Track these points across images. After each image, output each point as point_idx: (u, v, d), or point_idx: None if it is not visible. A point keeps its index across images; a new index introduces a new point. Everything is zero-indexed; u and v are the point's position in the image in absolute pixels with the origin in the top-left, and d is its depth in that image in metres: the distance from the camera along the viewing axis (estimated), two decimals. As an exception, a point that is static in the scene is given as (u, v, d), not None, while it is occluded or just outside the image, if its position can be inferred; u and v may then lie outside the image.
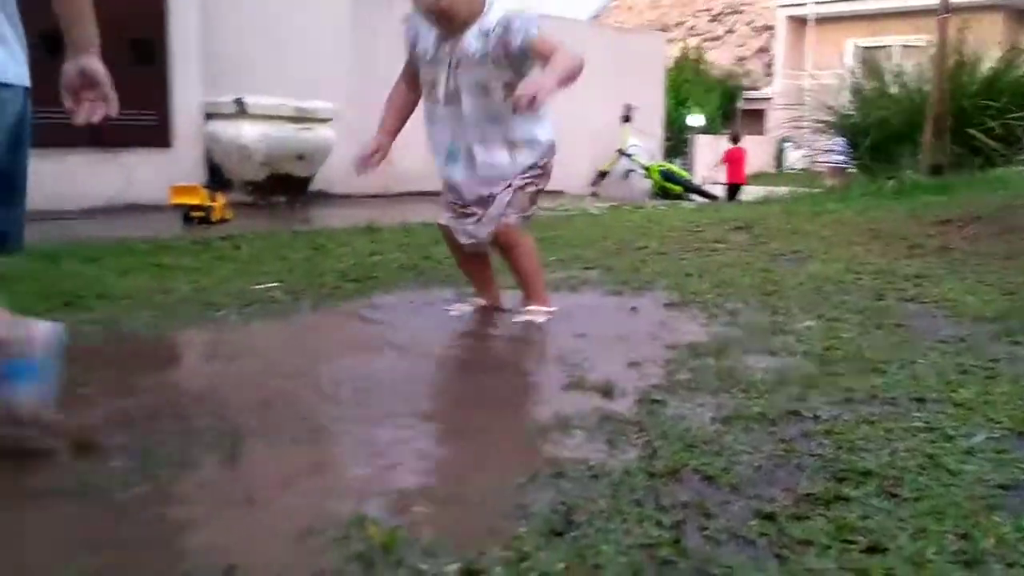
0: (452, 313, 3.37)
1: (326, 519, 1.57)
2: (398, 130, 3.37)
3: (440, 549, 1.47)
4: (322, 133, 7.41)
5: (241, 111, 6.96)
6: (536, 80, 2.89)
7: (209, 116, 7.06)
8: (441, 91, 3.14)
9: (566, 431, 2.05)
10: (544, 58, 2.97)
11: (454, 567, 1.41)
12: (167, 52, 6.92)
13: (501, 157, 3.14)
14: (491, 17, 3.03)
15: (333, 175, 8.03)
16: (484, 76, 3.06)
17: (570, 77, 2.93)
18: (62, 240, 4.59)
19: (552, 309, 3.25)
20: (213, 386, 2.38)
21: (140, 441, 1.93)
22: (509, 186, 3.13)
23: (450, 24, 3.00)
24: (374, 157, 3.24)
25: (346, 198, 8.23)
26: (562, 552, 1.44)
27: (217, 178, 7.08)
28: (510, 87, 2.99)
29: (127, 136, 6.53)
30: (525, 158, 3.17)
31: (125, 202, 6.57)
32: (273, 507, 1.67)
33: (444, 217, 3.37)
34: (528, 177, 3.18)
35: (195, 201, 5.63)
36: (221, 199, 5.81)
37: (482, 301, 3.45)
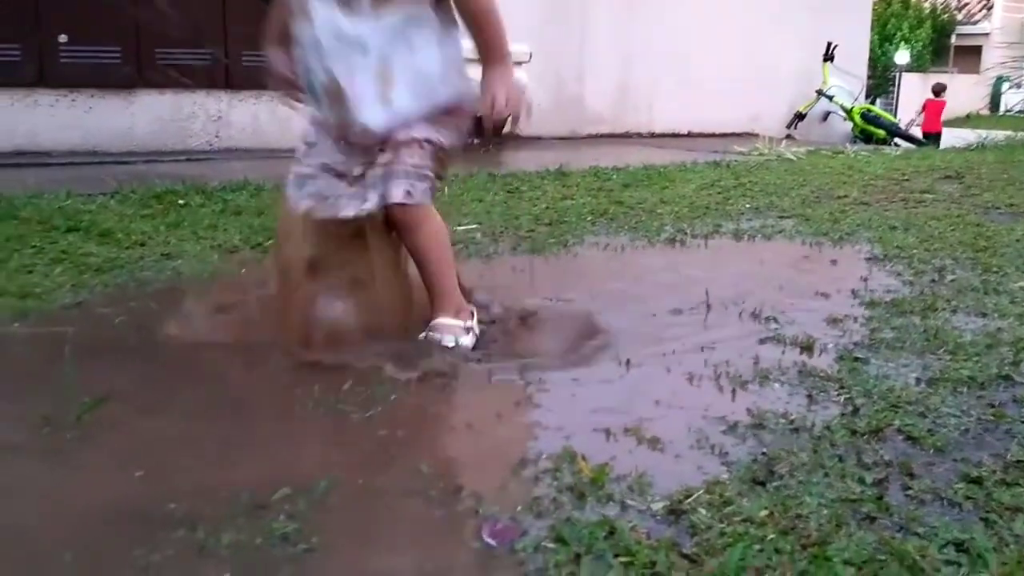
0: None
1: (538, 452, 1.71)
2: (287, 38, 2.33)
3: (645, 487, 1.57)
4: (516, 76, 7.52)
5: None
6: (493, 92, 2.25)
7: (411, 60, 7.34)
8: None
9: (765, 384, 2.09)
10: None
11: (660, 505, 1.50)
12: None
13: (393, 96, 2.19)
14: None
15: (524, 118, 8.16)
16: None
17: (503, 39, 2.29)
18: (282, 177, 4.95)
19: (470, 324, 2.33)
20: (426, 321, 2.55)
21: (367, 367, 2.13)
22: (407, 140, 2.21)
23: None
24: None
25: (536, 140, 8.35)
26: (764, 500, 1.51)
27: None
28: None
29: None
30: (422, 101, 2.23)
31: (333, 142, 6.97)
32: (490, 437, 1.82)
33: (301, 197, 2.29)
34: (430, 129, 2.24)
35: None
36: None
37: None
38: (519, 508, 1.49)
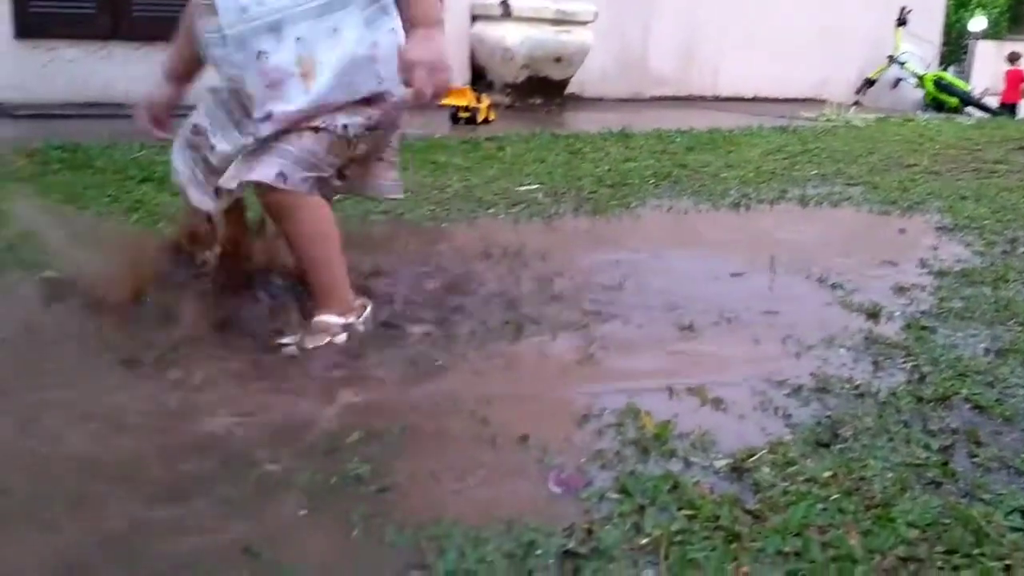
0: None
1: (601, 407, 1.74)
2: (187, 73, 2.21)
3: (709, 445, 1.59)
4: (581, 36, 7.47)
5: (505, 13, 7.15)
6: (415, 52, 1.86)
7: (475, 18, 7.32)
8: None
9: (830, 349, 2.09)
10: None
11: (723, 463, 1.52)
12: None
13: (311, 84, 1.91)
14: None
15: (586, 78, 8.11)
16: None
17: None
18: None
19: (349, 321, 2.05)
20: (489, 277, 2.59)
21: (437, 322, 2.18)
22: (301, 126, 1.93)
23: None
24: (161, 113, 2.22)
25: (598, 101, 8.30)
26: (828, 462, 1.52)
27: (480, 79, 7.36)
28: None
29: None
30: (340, 92, 1.94)
31: (396, 100, 7.01)
32: (554, 391, 1.85)
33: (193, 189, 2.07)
34: (334, 114, 1.94)
35: (464, 103, 5.92)
36: (486, 101, 6.07)
37: None
38: (584, 459, 1.53)
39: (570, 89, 7.93)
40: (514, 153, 4.88)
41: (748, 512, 1.36)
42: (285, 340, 2.00)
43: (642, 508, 1.36)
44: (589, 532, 1.29)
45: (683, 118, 6.94)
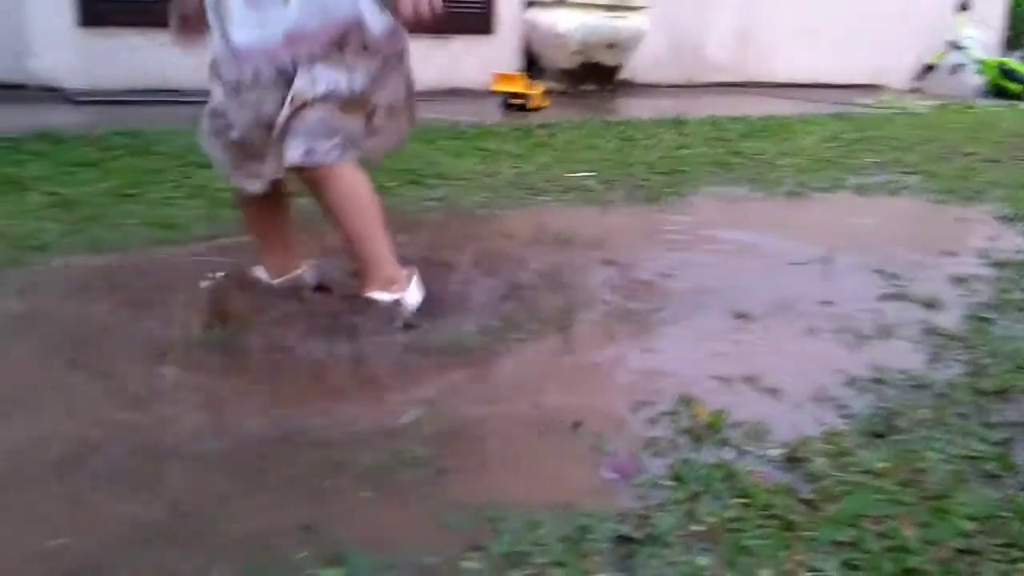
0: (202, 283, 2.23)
1: (655, 395, 1.75)
2: None
3: (762, 434, 1.59)
4: (634, 22, 7.42)
5: (560, 0, 7.14)
6: None
7: (529, 4, 7.31)
8: None
9: (886, 339, 2.08)
10: None
11: (777, 452, 1.53)
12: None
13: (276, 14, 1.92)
14: None
15: (639, 64, 8.05)
16: None
17: None
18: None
19: (399, 296, 2.07)
20: (543, 264, 2.60)
21: (490, 309, 2.20)
22: (307, 101, 1.93)
23: None
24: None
25: (651, 88, 8.24)
26: (883, 453, 1.52)
27: (533, 65, 7.35)
28: None
29: (455, 23, 6.94)
30: (310, 20, 1.92)
31: (449, 86, 7.03)
32: (608, 379, 1.87)
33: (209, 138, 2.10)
34: (330, 73, 1.94)
35: (516, 89, 5.93)
36: (539, 87, 6.06)
37: (256, 272, 2.28)
38: (637, 446, 1.54)
39: (623, 75, 7.89)
40: (566, 140, 4.88)
41: (803, 501, 1.36)
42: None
43: (696, 495, 1.37)
44: (643, 518, 1.31)
45: (738, 104, 6.88)
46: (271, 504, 1.34)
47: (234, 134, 2.01)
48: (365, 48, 1.96)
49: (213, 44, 2.00)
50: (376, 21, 1.97)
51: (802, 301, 2.34)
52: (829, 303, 2.33)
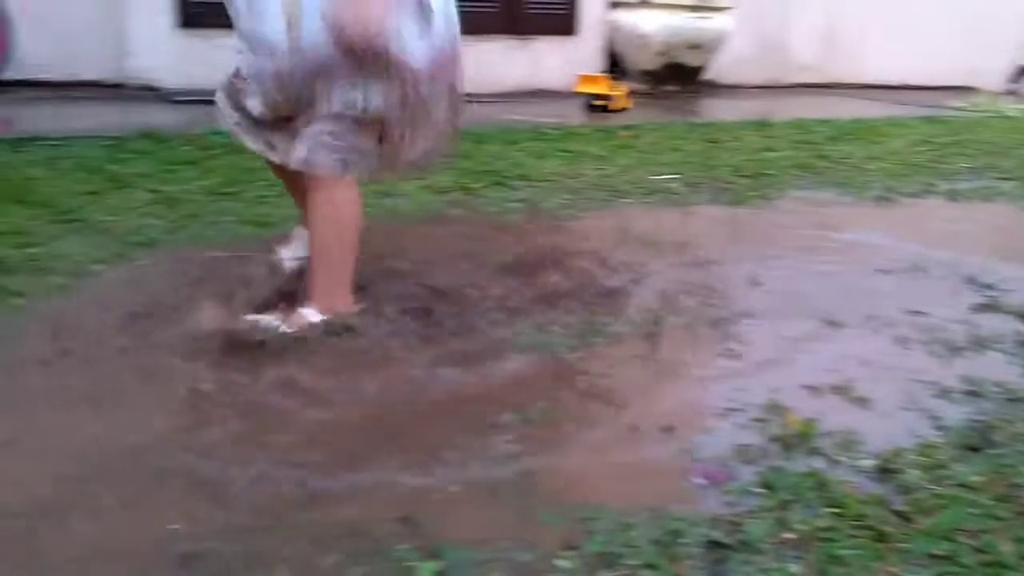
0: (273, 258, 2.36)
1: (744, 402, 1.76)
2: None
3: (854, 445, 1.59)
4: (719, 23, 7.35)
5: (643, 0, 7.11)
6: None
7: (613, 5, 7.30)
8: None
9: (981, 351, 2.04)
10: None
11: (869, 463, 1.52)
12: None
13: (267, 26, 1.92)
14: None
15: (723, 64, 7.97)
16: None
17: None
18: (486, 123, 5.11)
19: (319, 321, 2.02)
20: (628, 267, 2.62)
21: (577, 310, 2.23)
22: (325, 114, 1.96)
23: None
24: None
25: (734, 89, 8.15)
26: (979, 466, 1.50)
27: (615, 66, 7.35)
28: None
29: (539, 24, 6.98)
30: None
31: (532, 87, 7.07)
32: (696, 385, 1.88)
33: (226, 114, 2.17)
34: (341, 91, 1.93)
35: (600, 90, 5.94)
36: (622, 89, 6.06)
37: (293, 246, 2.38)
38: (727, 453, 1.55)
39: (706, 76, 7.82)
40: (649, 142, 4.87)
41: (896, 513, 1.36)
42: (258, 318, 2.03)
43: (787, 504, 1.38)
44: (734, 524, 1.32)
45: (824, 106, 6.76)
46: (370, 497, 1.40)
47: (252, 105, 2.02)
48: (387, 69, 1.93)
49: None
50: (406, 44, 1.93)
51: (892, 310, 2.31)
52: (920, 312, 2.29)
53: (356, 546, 1.26)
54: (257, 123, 2.09)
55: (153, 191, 3.21)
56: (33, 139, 3.92)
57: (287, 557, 1.24)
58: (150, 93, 5.78)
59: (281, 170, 2.22)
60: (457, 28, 2.06)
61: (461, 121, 2.17)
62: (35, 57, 5.69)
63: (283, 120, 2.03)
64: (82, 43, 5.84)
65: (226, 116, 2.14)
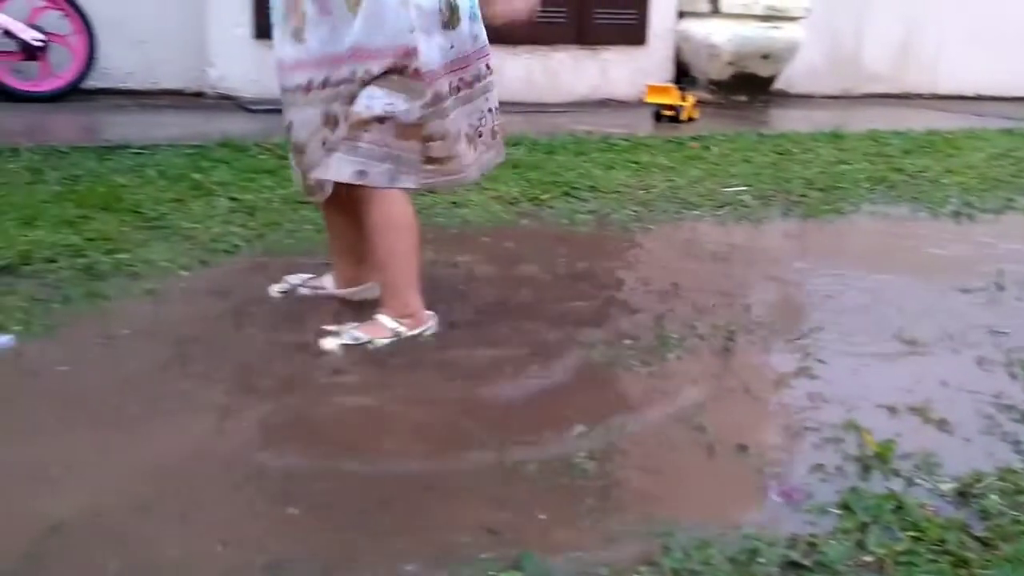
0: (272, 290, 2.38)
1: (820, 421, 1.75)
2: None
3: (933, 467, 1.58)
4: (790, 32, 7.27)
5: (714, 9, 7.07)
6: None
7: (682, 15, 7.27)
8: None
9: (1065, 374, 2.00)
10: None
11: (949, 486, 1.51)
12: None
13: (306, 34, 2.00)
14: None
15: (793, 74, 7.88)
16: None
17: None
18: (554, 133, 5.14)
19: (400, 328, 2.09)
20: (699, 281, 2.62)
21: (648, 324, 2.24)
22: (362, 119, 1.98)
23: None
24: None
25: (805, 99, 8.05)
26: (1064, 494, 1.48)
27: (683, 76, 7.31)
28: None
29: (608, 34, 6.98)
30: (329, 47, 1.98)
31: (599, 97, 7.07)
32: (771, 402, 1.88)
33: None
34: (387, 97, 1.98)
35: (669, 101, 5.92)
36: (690, 99, 6.04)
37: (319, 284, 2.42)
38: (803, 472, 1.55)
39: (777, 85, 7.74)
40: (719, 153, 4.85)
41: (976, 539, 1.35)
42: (332, 328, 2.09)
43: (865, 526, 1.38)
44: (812, 545, 1.32)
45: (899, 118, 6.64)
46: (453, 504, 1.43)
47: (291, 133, 2.08)
48: (421, 76, 1.96)
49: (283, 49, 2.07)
50: (436, 51, 1.98)
51: (972, 330, 2.28)
52: (1001, 333, 2.25)
53: (439, 553, 1.30)
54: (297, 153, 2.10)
55: (233, 199, 3.30)
56: (118, 147, 4.06)
57: (370, 562, 1.28)
58: (228, 102, 5.94)
59: (326, 210, 2.27)
60: (481, 27, 2.09)
61: (499, 122, 2.21)
62: (117, 66, 5.89)
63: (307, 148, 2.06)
64: (163, 52, 6.02)
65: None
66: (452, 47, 2.01)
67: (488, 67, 2.13)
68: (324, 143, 2.02)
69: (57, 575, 1.23)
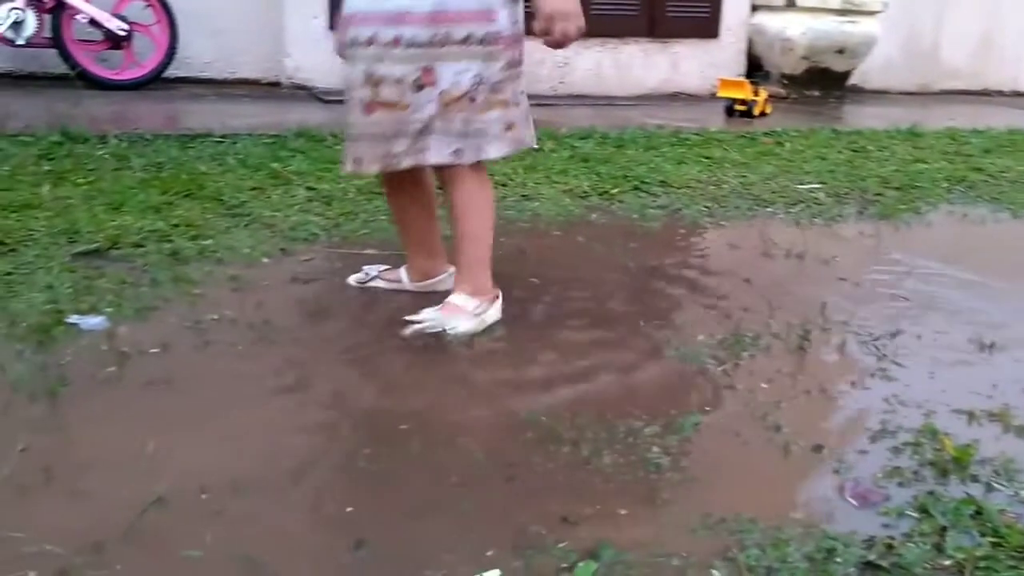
0: (351, 280, 2.43)
1: (897, 424, 1.74)
2: None
3: (1013, 473, 1.56)
4: (866, 27, 7.13)
5: (789, 3, 6.98)
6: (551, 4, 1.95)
7: (755, 8, 7.19)
8: None
9: None
10: None
11: (1031, 494, 1.49)
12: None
13: None
14: None
15: (869, 69, 7.73)
16: None
17: None
18: (625, 126, 5.13)
19: (481, 309, 2.14)
20: (773, 279, 2.61)
21: (722, 321, 2.25)
22: (454, 97, 2.02)
23: None
24: None
25: (881, 94, 7.89)
26: None
27: (754, 70, 7.23)
28: None
29: (679, 28, 6.94)
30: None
31: (669, 90, 7.03)
32: (847, 404, 1.87)
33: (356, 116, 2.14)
34: (472, 67, 2.01)
35: (741, 95, 5.86)
36: (763, 94, 5.97)
37: (394, 276, 2.42)
38: (880, 474, 1.55)
39: (851, 80, 7.60)
40: (793, 149, 4.79)
41: (1058, 547, 1.34)
42: (412, 318, 2.13)
43: (943, 530, 1.37)
44: (889, 547, 1.33)
45: (978, 115, 6.48)
46: (532, 494, 1.46)
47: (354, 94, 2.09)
48: (499, 41, 2.01)
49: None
50: (508, 21, 2.02)
51: (1055, 335, 2.23)
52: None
53: (518, 540, 1.33)
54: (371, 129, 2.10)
55: (310, 188, 3.38)
56: (199, 136, 4.17)
57: (451, 546, 1.32)
58: (303, 92, 6.05)
59: (395, 200, 2.30)
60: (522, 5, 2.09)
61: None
62: (196, 55, 6.05)
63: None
64: (241, 42, 6.16)
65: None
66: (516, 22, 2.05)
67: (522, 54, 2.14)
68: (412, 127, 2.01)
69: (157, 547, 1.29)
